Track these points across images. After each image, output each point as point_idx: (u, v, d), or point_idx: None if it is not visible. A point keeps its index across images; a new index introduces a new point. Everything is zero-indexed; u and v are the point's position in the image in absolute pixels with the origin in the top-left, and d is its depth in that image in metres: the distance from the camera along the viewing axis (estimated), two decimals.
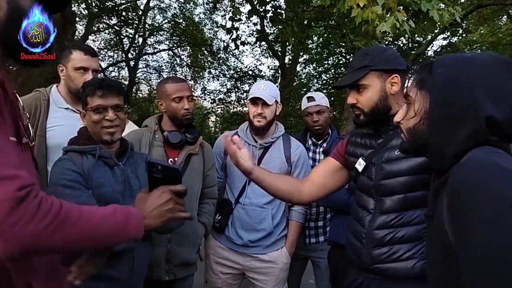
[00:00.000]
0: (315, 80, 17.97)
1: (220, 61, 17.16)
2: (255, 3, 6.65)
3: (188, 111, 2.07)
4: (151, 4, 15.84)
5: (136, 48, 16.85)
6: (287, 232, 2.33)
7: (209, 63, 17.71)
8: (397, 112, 1.12)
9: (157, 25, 16.99)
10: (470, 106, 0.88)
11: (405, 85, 1.06)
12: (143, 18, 15.90)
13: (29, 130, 1.00)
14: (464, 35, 14.57)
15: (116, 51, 17.08)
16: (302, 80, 18.00)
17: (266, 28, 10.19)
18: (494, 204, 0.74)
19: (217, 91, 17.66)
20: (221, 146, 2.32)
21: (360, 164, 1.51)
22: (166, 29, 16.91)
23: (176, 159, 2.07)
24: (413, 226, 1.37)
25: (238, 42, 6.71)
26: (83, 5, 13.11)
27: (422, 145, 0.99)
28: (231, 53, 16.00)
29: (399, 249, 1.37)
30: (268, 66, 23.08)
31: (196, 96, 18.32)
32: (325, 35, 12.44)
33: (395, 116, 1.11)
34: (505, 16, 13.57)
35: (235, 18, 6.39)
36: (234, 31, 6.52)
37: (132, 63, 16.85)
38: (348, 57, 15.40)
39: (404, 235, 1.37)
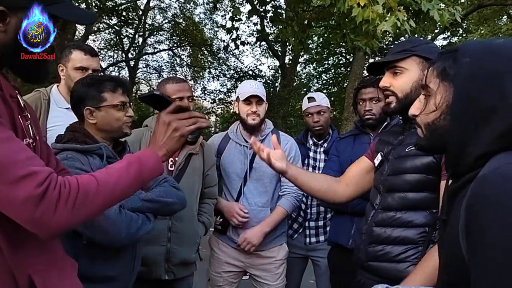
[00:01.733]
0: (315, 80, 17.99)
1: (220, 61, 17.17)
2: (255, 3, 6.65)
3: None
4: (151, 4, 15.87)
5: (136, 48, 16.85)
6: (286, 229, 2.35)
7: (209, 63, 17.71)
8: None
9: (157, 25, 17.00)
10: (500, 103, 0.77)
11: (425, 74, 0.92)
12: (143, 18, 15.91)
13: (31, 131, 0.99)
14: (464, 35, 14.58)
15: (116, 51, 17.10)
16: (302, 80, 18.01)
17: (266, 28, 10.19)
18: None
19: (217, 91, 17.67)
20: (215, 146, 2.34)
21: (377, 159, 1.50)
22: (166, 29, 16.92)
23: (176, 158, 2.07)
24: (410, 229, 1.34)
25: (238, 42, 6.71)
26: (83, 5, 13.10)
27: (441, 143, 0.88)
28: (231, 53, 16.01)
29: (393, 249, 1.35)
30: (268, 66, 23.08)
31: (196, 96, 18.32)
32: (325, 35, 12.45)
33: (411, 109, 0.97)
34: (505, 16, 13.57)
35: (235, 18, 6.38)
36: (234, 31, 6.51)
37: (132, 63, 16.85)
38: (348, 57, 15.42)
39: (400, 236, 1.35)
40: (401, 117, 1.59)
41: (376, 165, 1.50)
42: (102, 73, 2.19)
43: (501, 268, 0.65)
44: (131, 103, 1.62)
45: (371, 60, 9.74)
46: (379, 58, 1.62)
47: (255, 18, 7.95)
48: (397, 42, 13.48)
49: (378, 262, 1.39)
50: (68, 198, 0.83)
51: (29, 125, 0.99)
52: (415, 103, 0.96)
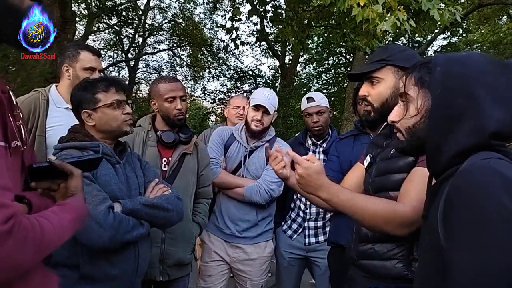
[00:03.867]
0: (315, 80, 17.97)
1: (220, 61, 17.16)
2: (255, 3, 6.65)
3: (181, 112, 2.07)
4: (151, 4, 15.87)
5: (136, 48, 16.85)
6: (272, 226, 2.48)
7: (209, 63, 17.70)
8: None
9: (157, 25, 17.00)
10: (469, 104, 0.87)
11: (403, 83, 1.01)
12: (143, 18, 15.91)
13: (22, 132, 0.95)
14: (464, 35, 14.58)
15: (116, 51, 17.09)
16: (302, 80, 18.00)
17: (266, 28, 10.19)
18: (489, 213, 0.72)
19: (217, 91, 17.66)
20: (224, 139, 2.44)
21: (366, 161, 1.54)
22: (166, 29, 16.91)
23: (170, 158, 2.08)
24: None
25: (238, 42, 6.71)
26: (83, 5, 13.11)
27: (420, 144, 0.97)
28: (231, 53, 16.01)
29: (380, 247, 1.39)
30: (268, 66, 23.11)
31: (196, 96, 18.34)
32: (325, 34, 12.43)
33: (390, 116, 1.06)
34: (505, 16, 13.57)
35: (235, 18, 6.38)
36: (234, 31, 6.51)
37: (132, 63, 16.85)
38: (348, 57, 15.41)
39: (387, 234, 1.38)
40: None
41: (365, 166, 1.54)
42: (101, 73, 2.20)
43: (471, 251, 0.73)
44: (130, 101, 1.63)
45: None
46: (371, 59, 1.62)
47: (255, 18, 7.95)
48: (397, 42, 13.50)
49: (367, 260, 1.43)
50: (32, 243, 0.77)
51: (21, 126, 0.95)
52: (394, 110, 1.05)
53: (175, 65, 17.84)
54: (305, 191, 1.33)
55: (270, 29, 11.42)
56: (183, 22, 16.53)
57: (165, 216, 1.58)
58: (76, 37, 11.28)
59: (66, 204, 0.98)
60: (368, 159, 1.54)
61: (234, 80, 17.06)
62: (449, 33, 13.87)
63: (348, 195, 1.25)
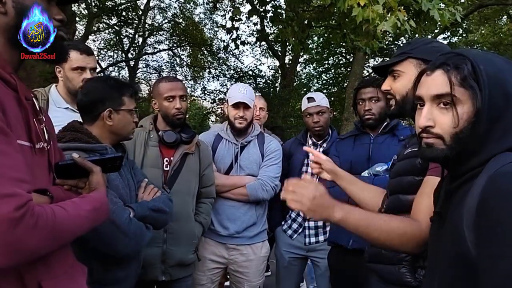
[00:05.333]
0: (315, 80, 17.96)
1: (220, 61, 17.14)
2: (255, 3, 6.65)
3: (180, 111, 2.07)
4: (151, 4, 15.85)
5: (136, 48, 16.84)
6: (267, 227, 2.50)
7: (209, 63, 17.68)
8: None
9: (157, 25, 16.98)
10: (506, 105, 0.83)
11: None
12: (143, 18, 15.89)
13: (46, 135, 1.00)
14: (464, 35, 14.57)
15: (116, 51, 17.08)
16: (302, 80, 17.98)
17: (266, 28, 10.19)
18: None
19: (217, 91, 17.64)
20: (209, 144, 2.39)
21: (390, 162, 1.56)
22: (166, 29, 16.90)
23: (171, 158, 2.08)
24: None
25: (238, 42, 6.71)
26: (83, 5, 13.10)
27: (461, 150, 0.87)
28: (231, 53, 15.98)
29: (388, 251, 1.36)
30: (268, 66, 23.07)
31: (196, 96, 18.31)
32: (326, 35, 12.43)
33: (422, 120, 0.92)
34: (505, 16, 13.57)
35: (235, 18, 6.39)
36: (234, 31, 6.51)
37: (132, 63, 16.84)
38: (348, 57, 15.40)
39: None
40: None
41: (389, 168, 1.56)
42: (101, 73, 2.18)
43: (504, 255, 0.69)
44: (138, 109, 1.66)
45: (371, 60, 9.74)
46: (379, 58, 1.64)
47: (255, 18, 7.93)
48: (397, 42, 13.52)
49: (376, 263, 1.42)
50: (43, 230, 0.81)
51: (44, 129, 0.99)
52: (425, 113, 0.92)
53: (175, 65, 17.83)
54: (316, 215, 1.14)
55: (270, 29, 11.41)
56: (183, 22, 16.52)
57: (165, 219, 1.61)
58: (76, 37, 11.28)
59: (87, 196, 1.04)
60: (393, 160, 1.54)
61: (234, 80, 17.04)
62: (449, 33, 13.85)
63: (361, 214, 1.15)
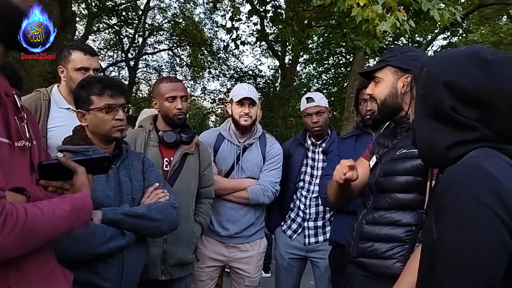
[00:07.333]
0: (315, 80, 17.96)
1: (220, 61, 17.14)
2: (255, 3, 6.65)
3: (181, 111, 2.06)
4: (151, 4, 15.86)
5: (136, 48, 16.84)
6: (264, 224, 2.53)
7: (209, 63, 17.69)
8: (408, 111, 1.14)
9: (157, 25, 16.99)
10: (438, 104, 0.90)
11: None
12: (143, 18, 15.90)
13: (28, 132, 0.96)
14: (464, 35, 14.56)
15: (116, 51, 17.09)
16: (302, 80, 17.98)
17: (266, 28, 10.18)
18: (466, 206, 0.77)
19: (217, 91, 17.64)
20: (211, 144, 2.40)
21: (372, 161, 1.58)
22: (166, 29, 16.91)
23: (171, 158, 2.08)
24: (398, 228, 1.41)
25: (238, 42, 6.71)
26: (83, 5, 13.10)
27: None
28: (231, 53, 15.99)
29: (381, 246, 1.42)
30: (268, 66, 23.05)
31: (196, 96, 18.32)
32: (326, 34, 12.44)
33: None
34: (505, 16, 13.56)
35: (235, 18, 6.39)
36: (234, 31, 6.52)
37: (132, 63, 16.85)
38: (348, 57, 15.41)
39: (387, 234, 1.42)
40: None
41: (370, 167, 1.58)
42: (102, 73, 2.18)
43: (454, 247, 0.78)
44: (127, 105, 1.61)
45: (371, 60, 9.74)
46: (379, 58, 1.70)
47: (255, 18, 7.93)
48: (397, 42, 13.52)
49: (366, 258, 1.46)
50: (11, 230, 0.78)
51: (25, 126, 0.96)
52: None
53: (175, 65, 17.84)
54: None
55: (270, 29, 11.41)
56: (183, 22, 16.52)
57: (153, 226, 1.52)
58: (76, 37, 11.28)
59: (68, 196, 1.00)
60: (374, 159, 1.57)
61: (234, 80, 17.03)
62: (449, 33, 13.85)
63: None
